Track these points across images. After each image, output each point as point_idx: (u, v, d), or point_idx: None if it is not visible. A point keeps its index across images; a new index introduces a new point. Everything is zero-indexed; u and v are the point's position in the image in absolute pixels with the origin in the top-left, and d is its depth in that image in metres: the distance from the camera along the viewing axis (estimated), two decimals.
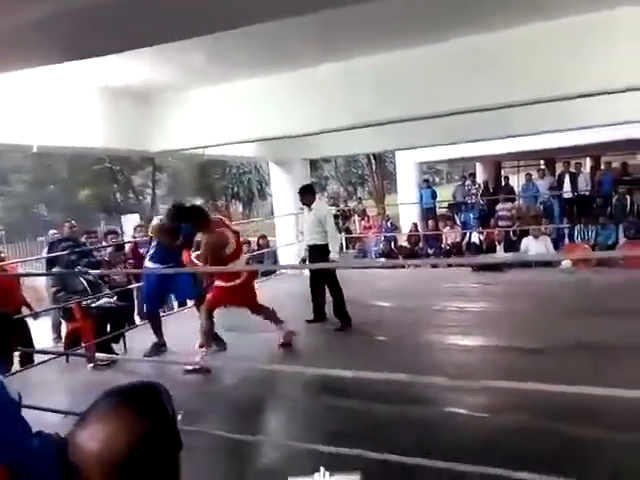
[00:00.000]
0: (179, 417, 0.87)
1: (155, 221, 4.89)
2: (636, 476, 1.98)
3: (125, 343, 4.95)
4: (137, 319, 6.90)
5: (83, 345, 4.66)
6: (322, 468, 1.21)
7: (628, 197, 9.97)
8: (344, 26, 3.98)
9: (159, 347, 4.79)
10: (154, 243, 4.75)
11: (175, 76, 5.17)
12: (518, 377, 2.50)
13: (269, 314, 4.71)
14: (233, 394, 3.84)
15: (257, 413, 3.57)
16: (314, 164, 21.47)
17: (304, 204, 5.49)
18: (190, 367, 4.20)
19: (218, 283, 4.47)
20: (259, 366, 4.25)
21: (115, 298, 5.42)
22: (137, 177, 24.64)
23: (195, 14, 2.50)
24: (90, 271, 4.34)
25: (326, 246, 5.27)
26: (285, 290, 7.17)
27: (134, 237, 7.49)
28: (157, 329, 4.83)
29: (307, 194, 5.44)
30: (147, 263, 4.79)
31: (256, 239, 9.75)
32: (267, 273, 8.56)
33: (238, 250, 4.55)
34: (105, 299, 5.00)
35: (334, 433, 2.90)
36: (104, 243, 7.27)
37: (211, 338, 4.48)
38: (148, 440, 0.79)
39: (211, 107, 5.75)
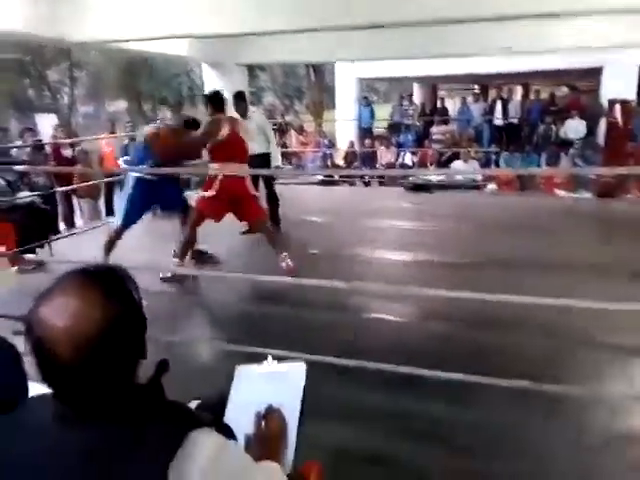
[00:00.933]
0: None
1: (149, 128, 4.43)
2: (537, 376, 2.30)
3: (51, 248, 4.75)
4: (62, 226, 6.59)
5: (4, 249, 4.42)
6: (269, 356, 1.29)
7: (553, 127, 10.47)
8: None
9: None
10: (138, 147, 4.39)
11: None
12: (441, 287, 2.71)
13: (271, 236, 4.36)
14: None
15: (195, 317, 3.65)
16: (251, 73, 20.39)
17: (239, 113, 5.20)
18: (167, 275, 4.14)
19: (201, 193, 4.23)
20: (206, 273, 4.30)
21: (34, 201, 5.10)
22: (52, 73, 22.23)
23: None
24: (15, 168, 3.98)
25: (268, 155, 5.21)
26: None
27: (55, 137, 6.91)
28: (112, 244, 4.28)
29: (242, 102, 5.26)
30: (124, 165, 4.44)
31: None
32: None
33: (232, 148, 4.11)
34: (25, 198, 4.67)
35: (270, 336, 3.04)
36: (19, 142, 6.68)
37: (188, 250, 4.28)
38: (117, 319, 0.79)
39: None
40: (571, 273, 3.93)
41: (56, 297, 0.78)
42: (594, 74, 10.97)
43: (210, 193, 4.08)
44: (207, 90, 8.46)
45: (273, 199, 5.55)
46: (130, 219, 4.29)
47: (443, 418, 2.39)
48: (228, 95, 7.80)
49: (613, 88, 9.56)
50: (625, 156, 6.27)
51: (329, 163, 11.31)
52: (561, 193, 7.76)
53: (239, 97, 5.30)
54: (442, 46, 7.25)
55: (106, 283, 0.82)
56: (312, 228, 5.91)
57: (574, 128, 9.99)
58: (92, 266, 0.85)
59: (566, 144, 9.77)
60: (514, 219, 5.87)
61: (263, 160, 5.23)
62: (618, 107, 6.37)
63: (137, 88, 23.17)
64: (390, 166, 10.79)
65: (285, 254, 4.16)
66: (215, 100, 4.27)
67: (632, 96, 9.18)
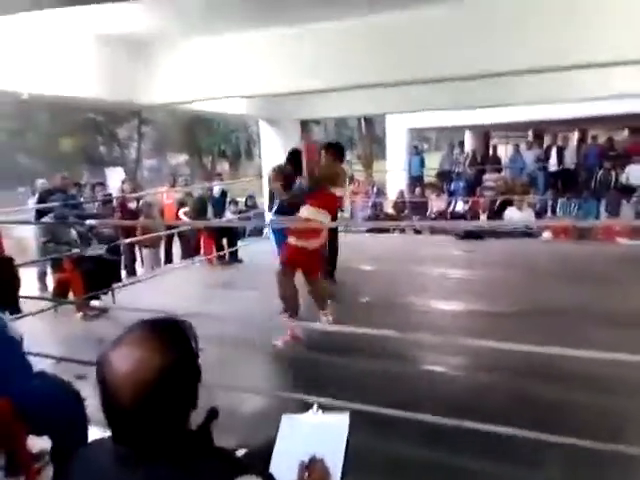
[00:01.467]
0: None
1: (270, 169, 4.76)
2: (593, 434, 2.18)
3: (114, 296, 5.03)
4: (124, 274, 6.97)
5: (72, 296, 4.73)
6: (315, 405, 1.33)
7: (612, 172, 10.14)
8: None
9: None
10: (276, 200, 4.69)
11: (168, 26, 5.03)
12: (493, 338, 2.65)
13: (319, 292, 4.10)
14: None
15: (243, 365, 3.71)
16: (304, 126, 21.16)
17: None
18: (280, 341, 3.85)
19: (293, 241, 3.90)
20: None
21: (102, 252, 5.47)
22: (122, 129, 24.08)
23: None
24: (87, 222, 4.31)
25: None
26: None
27: (122, 191, 7.44)
28: None
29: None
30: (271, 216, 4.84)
31: (244, 199, 9.77)
32: (254, 233, 8.63)
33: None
34: (94, 250, 5.02)
35: (321, 385, 3.05)
36: (91, 196, 7.23)
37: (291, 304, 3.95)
38: (174, 368, 0.87)
39: (203, 60, 5.62)
40: (627, 325, 3.72)
41: (122, 345, 0.88)
42: None
43: (315, 243, 3.94)
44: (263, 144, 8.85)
45: (334, 247, 5.60)
46: None
47: (491, 473, 2.29)
48: (283, 148, 8.17)
49: None
50: None
51: (378, 212, 11.39)
52: (622, 241, 7.42)
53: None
54: (493, 96, 7.31)
55: (167, 334, 0.91)
56: (363, 276, 5.94)
57: (636, 173, 9.63)
58: (157, 318, 0.95)
59: (628, 190, 9.40)
60: (569, 268, 5.67)
61: None
62: None
63: (198, 143, 24.61)
64: (441, 214, 10.74)
65: (326, 312, 4.02)
66: (340, 150, 4.57)
67: None
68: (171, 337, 0.91)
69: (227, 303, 4.89)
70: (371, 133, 22.24)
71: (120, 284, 5.68)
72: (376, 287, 5.43)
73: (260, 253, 7.39)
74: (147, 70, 5.70)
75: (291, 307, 3.91)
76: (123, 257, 7.04)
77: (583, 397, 2.95)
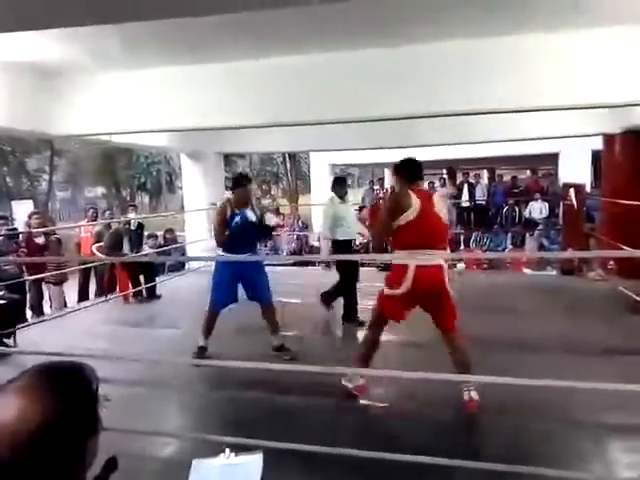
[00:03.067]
0: (105, 403, 0.88)
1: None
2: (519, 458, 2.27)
3: (15, 339, 4.61)
4: (29, 314, 6.43)
5: None
6: (227, 449, 1.27)
7: (516, 208, 11.00)
8: (266, 25, 4.02)
9: (204, 351, 4.21)
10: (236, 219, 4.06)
11: (84, 57, 4.88)
12: (410, 368, 2.72)
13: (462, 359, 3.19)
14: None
15: (154, 407, 3.51)
16: (228, 159, 21.13)
17: (340, 196, 5.22)
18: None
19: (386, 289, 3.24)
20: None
21: (3, 292, 5.04)
22: (32, 160, 22.69)
23: None
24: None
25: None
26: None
27: (29, 225, 6.92)
28: (209, 329, 4.23)
29: (345, 186, 5.46)
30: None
31: (162, 233, 9.45)
32: (174, 269, 8.35)
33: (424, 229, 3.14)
34: None
35: (238, 424, 2.95)
36: None
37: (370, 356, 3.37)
38: (61, 419, 0.80)
39: (121, 93, 5.49)
40: (545, 351, 3.97)
41: (5, 393, 0.79)
42: (552, 159, 11.76)
43: (399, 291, 3.13)
44: (185, 178, 8.64)
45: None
46: (221, 301, 4.21)
47: None
48: (204, 181, 8.06)
49: (568, 172, 10.25)
50: (583, 236, 6.60)
51: (303, 246, 11.49)
52: (528, 271, 8.00)
53: (344, 182, 5.57)
54: (410, 138, 7.76)
55: (57, 382, 0.83)
56: (288, 309, 5.90)
57: (537, 209, 10.50)
58: (51, 363, 0.87)
59: (531, 225, 10.22)
60: (480, 296, 5.97)
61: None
62: (572, 191, 6.78)
63: (116, 175, 23.71)
64: (364, 246, 11.05)
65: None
66: (410, 168, 3.43)
67: (586, 179, 9.81)
68: (62, 385, 0.83)
69: (139, 342, 4.65)
70: (296, 168, 22.65)
71: (24, 325, 5.23)
72: (300, 321, 5.40)
73: (180, 289, 7.17)
74: (61, 100, 5.47)
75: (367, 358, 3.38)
76: (29, 296, 6.52)
77: (493, 422, 3.07)
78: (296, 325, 5.00)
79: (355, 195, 15.69)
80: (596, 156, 9.49)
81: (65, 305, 7.16)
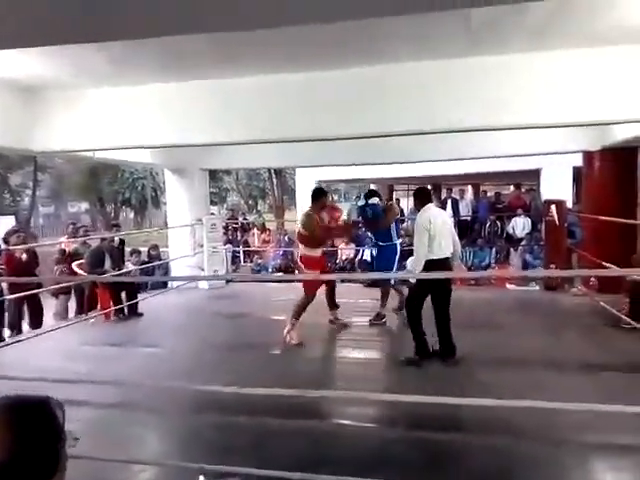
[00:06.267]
0: (73, 441, 0.85)
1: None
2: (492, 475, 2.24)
3: None
4: (6, 333, 6.30)
5: None
6: (201, 476, 1.23)
7: (499, 223, 11.09)
8: (252, 44, 4.04)
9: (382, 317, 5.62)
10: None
11: (68, 74, 4.85)
12: (395, 389, 2.70)
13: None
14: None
15: (131, 432, 3.42)
16: (214, 175, 21.11)
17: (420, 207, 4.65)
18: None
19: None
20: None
21: None
22: (15, 176, 22.42)
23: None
24: None
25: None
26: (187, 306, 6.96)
27: (7, 242, 6.76)
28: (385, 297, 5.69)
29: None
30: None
31: (147, 249, 9.35)
32: (157, 286, 8.23)
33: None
34: None
35: (221, 450, 2.88)
36: None
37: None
38: (17, 463, 0.76)
39: (105, 109, 5.46)
40: (528, 368, 3.97)
41: None
42: (535, 175, 11.93)
43: None
44: (169, 194, 8.57)
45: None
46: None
47: None
48: (189, 197, 8.00)
49: (550, 188, 10.41)
50: (564, 252, 6.67)
51: (289, 260, 11.44)
52: (512, 287, 8.05)
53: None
54: (395, 155, 7.84)
55: (21, 421, 0.79)
56: (277, 327, 5.84)
57: (520, 225, 10.60)
58: (17, 399, 0.83)
59: (515, 240, 10.30)
60: (465, 313, 5.98)
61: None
62: (553, 207, 6.87)
63: (100, 190, 23.51)
64: (350, 261, 11.05)
65: None
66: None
67: (568, 195, 9.95)
68: (23, 424, 0.79)
69: (119, 362, 4.53)
70: (282, 184, 22.68)
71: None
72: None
73: (163, 306, 7.07)
74: (43, 117, 5.43)
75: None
76: (7, 314, 6.38)
77: (478, 441, 3.05)
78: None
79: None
80: (577, 173, 9.64)
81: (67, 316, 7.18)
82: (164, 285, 8.28)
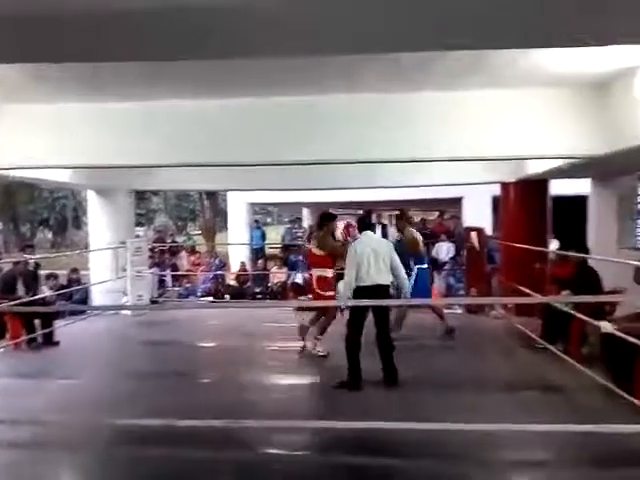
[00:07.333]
0: None
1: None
2: None
3: None
4: None
5: None
6: None
7: (424, 248, 11.53)
8: (183, 69, 4.01)
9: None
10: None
11: None
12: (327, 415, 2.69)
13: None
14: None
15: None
16: (142, 195, 20.41)
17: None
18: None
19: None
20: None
21: None
22: None
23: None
24: None
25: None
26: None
27: None
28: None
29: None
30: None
31: (67, 273, 8.82)
32: (76, 312, 7.74)
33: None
34: None
35: None
36: None
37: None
38: None
39: (26, 127, 5.17)
40: (450, 389, 4.11)
41: None
42: (458, 203, 12.60)
43: None
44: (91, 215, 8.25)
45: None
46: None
47: None
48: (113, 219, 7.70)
49: (471, 215, 11.04)
50: (484, 276, 7.07)
51: (220, 283, 11.22)
52: (447, 310, 8.31)
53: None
54: (324, 181, 8.03)
55: None
56: (206, 353, 5.69)
57: (444, 250, 11.09)
58: None
59: (439, 264, 10.73)
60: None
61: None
62: (474, 234, 7.28)
63: (14, 209, 21.96)
64: (282, 285, 11.01)
65: None
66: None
67: (487, 222, 10.57)
68: None
69: (30, 396, 4.18)
70: (213, 206, 22.32)
71: None
72: (215, 365, 5.20)
73: (81, 334, 6.64)
74: None
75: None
76: None
77: (417, 466, 3.10)
78: None
79: (275, 232, 15.75)
80: (496, 201, 10.29)
81: None
82: (83, 311, 7.81)
